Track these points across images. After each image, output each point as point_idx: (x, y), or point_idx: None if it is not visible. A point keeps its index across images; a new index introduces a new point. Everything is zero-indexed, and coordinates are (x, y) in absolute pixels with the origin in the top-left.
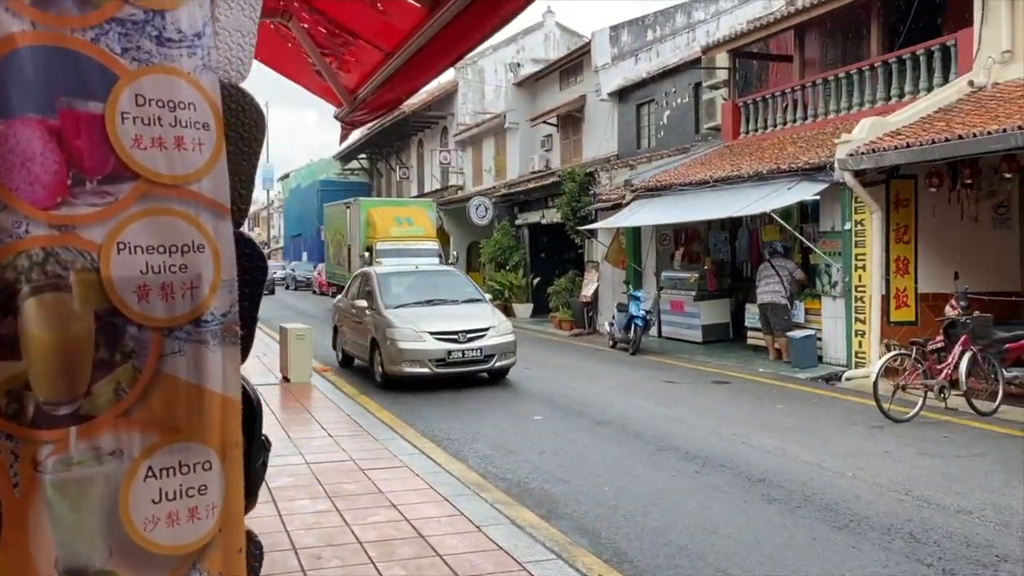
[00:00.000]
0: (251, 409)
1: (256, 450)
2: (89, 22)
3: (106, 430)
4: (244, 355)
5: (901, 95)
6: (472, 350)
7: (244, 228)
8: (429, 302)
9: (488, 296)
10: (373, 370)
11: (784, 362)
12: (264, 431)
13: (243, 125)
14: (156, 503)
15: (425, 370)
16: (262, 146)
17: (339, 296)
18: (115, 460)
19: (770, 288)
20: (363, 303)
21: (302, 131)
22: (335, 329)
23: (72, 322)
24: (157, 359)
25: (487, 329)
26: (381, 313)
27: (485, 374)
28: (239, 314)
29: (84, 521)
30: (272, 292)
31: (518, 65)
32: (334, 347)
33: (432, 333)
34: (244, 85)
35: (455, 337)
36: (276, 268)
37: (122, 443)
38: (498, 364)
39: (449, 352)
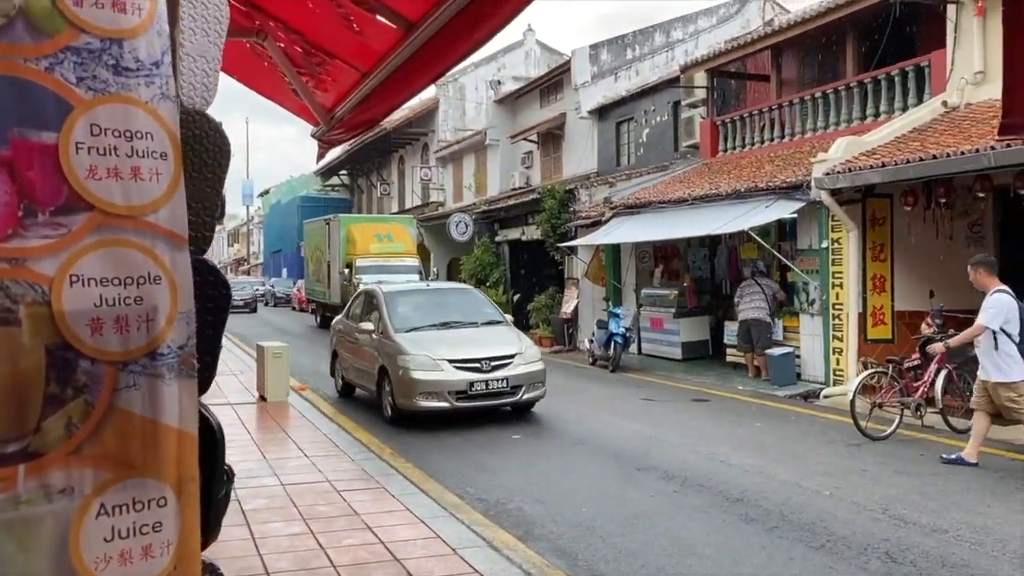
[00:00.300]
0: (213, 439)
1: (218, 481)
2: (43, 51)
3: (56, 467)
4: (207, 384)
5: (876, 115)
6: (497, 380)
7: (215, 247)
8: (444, 325)
9: (509, 317)
10: (381, 402)
11: (763, 380)
12: (241, 452)
13: (206, 151)
14: (108, 541)
15: (444, 404)
16: (226, 172)
17: (338, 317)
18: (65, 498)
19: (755, 304)
20: (368, 326)
21: (283, 147)
22: (334, 354)
23: (22, 357)
24: (111, 393)
25: (513, 356)
26: (391, 338)
27: (509, 408)
28: (201, 343)
29: (32, 561)
30: (254, 310)
31: (499, 82)
32: (332, 374)
33: (451, 361)
34: (220, 101)
35: (478, 365)
36: (256, 284)
37: (73, 480)
38: (526, 396)
39: (471, 383)
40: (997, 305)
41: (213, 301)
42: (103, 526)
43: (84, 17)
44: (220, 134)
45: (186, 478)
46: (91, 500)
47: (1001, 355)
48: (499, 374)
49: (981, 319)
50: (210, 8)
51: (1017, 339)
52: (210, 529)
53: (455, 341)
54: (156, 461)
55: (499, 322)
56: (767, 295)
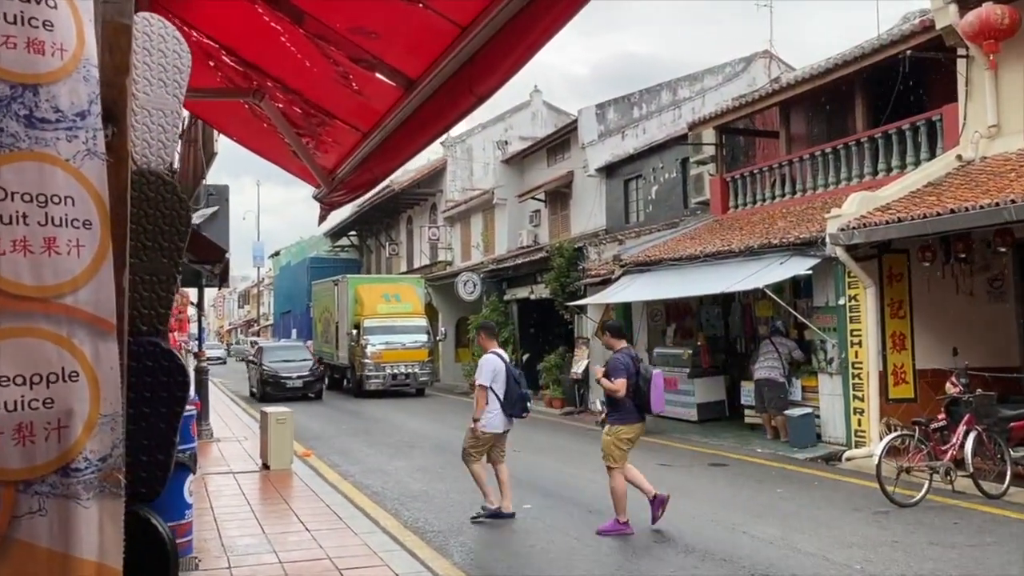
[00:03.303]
0: (163, 555)
1: None
2: None
3: None
4: (158, 488)
5: (888, 170)
6: None
7: (225, 309)
8: None
9: None
10: None
11: (782, 441)
12: (240, 526)
13: (163, 217)
14: None
15: None
16: (185, 239)
17: None
18: None
19: (768, 364)
20: None
21: (292, 208)
22: None
23: None
24: (7, 523)
25: None
26: None
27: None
28: (153, 439)
29: None
30: (317, 396)
31: (506, 143)
32: None
33: None
34: (229, 163)
35: None
36: (307, 351)
37: None
38: None
39: None
40: (487, 365)
41: (167, 390)
42: None
43: None
44: (178, 198)
45: None
46: None
47: (488, 408)
48: None
49: (477, 379)
50: (168, 56)
51: (502, 396)
52: None
53: None
54: None
55: None
56: (781, 354)
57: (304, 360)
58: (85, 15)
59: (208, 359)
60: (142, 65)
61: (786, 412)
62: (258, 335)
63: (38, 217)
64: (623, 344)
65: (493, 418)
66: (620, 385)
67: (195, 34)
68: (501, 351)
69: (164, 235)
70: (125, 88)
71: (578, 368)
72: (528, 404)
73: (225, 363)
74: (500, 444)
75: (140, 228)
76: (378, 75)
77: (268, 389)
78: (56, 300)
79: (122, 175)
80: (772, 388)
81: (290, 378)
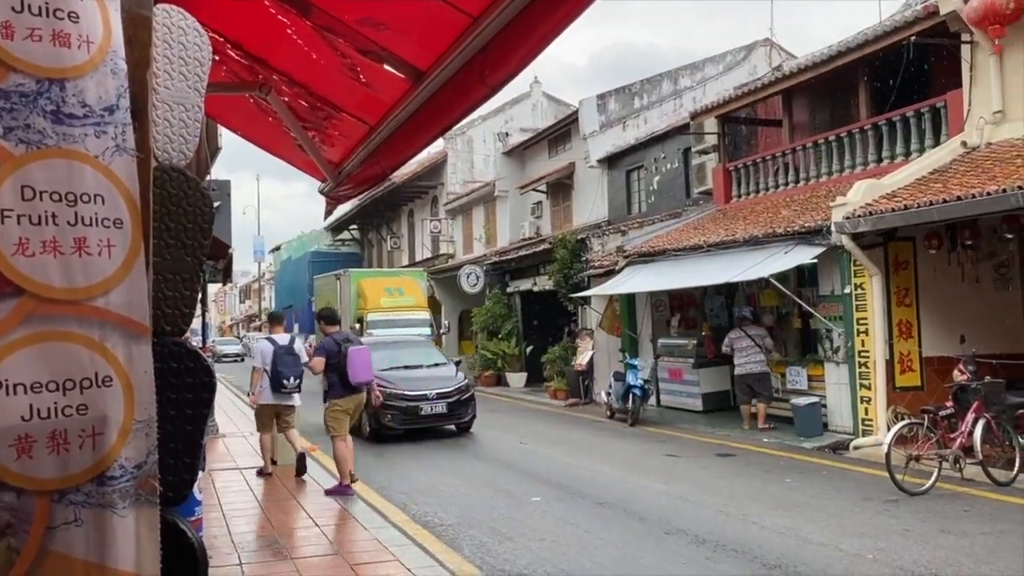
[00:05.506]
0: (192, 562)
1: None
2: None
3: None
4: (185, 492)
5: (893, 157)
6: None
7: (227, 304)
8: None
9: None
10: None
11: (771, 428)
12: (248, 522)
13: (185, 214)
14: None
15: None
16: (209, 237)
17: None
18: None
19: (751, 359)
20: None
21: (292, 203)
22: None
23: None
24: (43, 534)
25: None
26: None
27: None
28: (180, 441)
29: None
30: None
31: (506, 134)
32: None
33: None
34: (228, 158)
35: None
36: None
37: None
38: None
39: None
40: (256, 350)
41: (193, 392)
42: None
43: (15, 52)
44: (202, 194)
45: None
46: None
47: (262, 385)
48: None
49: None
50: (189, 48)
51: (271, 373)
52: None
53: None
54: None
55: None
56: (760, 346)
57: (439, 365)
58: (111, 5)
59: (224, 356)
60: (162, 58)
61: (792, 401)
62: (259, 330)
63: (68, 217)
64: (334, 329)
65: (263, 392)
66: (316, 363)
67: None
68: (275, 336)
69: (187, 232)
70: (146, 83)
71: (582, 359)
72: (284, 381)
73: (243, 360)
74: (285, 415)
75: (163, 226)
76: (386, 67)
77: (388, 420)
78: (88, 302)
79: (144, 172)
80: (762, 381)
81: (424, 398)
